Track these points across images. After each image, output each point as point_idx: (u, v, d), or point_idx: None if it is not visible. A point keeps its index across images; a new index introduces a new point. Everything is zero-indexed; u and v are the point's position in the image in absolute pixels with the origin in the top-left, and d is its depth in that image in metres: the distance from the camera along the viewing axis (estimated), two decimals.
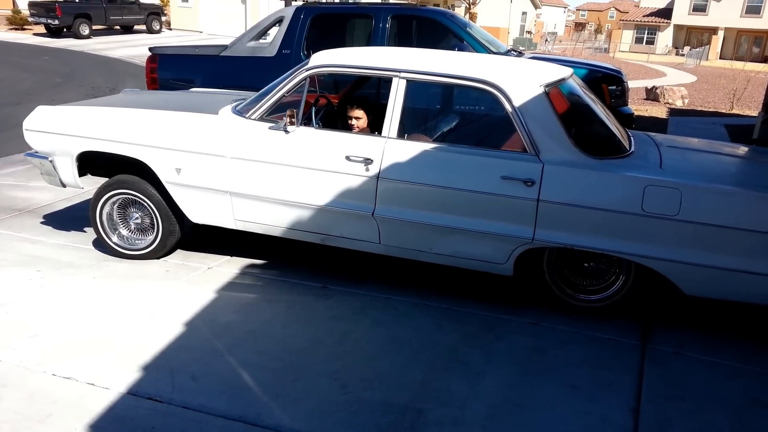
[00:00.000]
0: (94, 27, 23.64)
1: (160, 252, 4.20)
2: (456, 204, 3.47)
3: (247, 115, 3.84)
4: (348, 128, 4.06)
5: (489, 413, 2.73)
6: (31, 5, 23.46)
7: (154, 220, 4.14)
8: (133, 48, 20.01)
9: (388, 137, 3.59)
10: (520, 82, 3.45)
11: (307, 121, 3.80)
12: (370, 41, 6.54)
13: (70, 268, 4.07)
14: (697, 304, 3.73)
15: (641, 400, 2.85)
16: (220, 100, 4.38)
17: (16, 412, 2.63)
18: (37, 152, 4.26)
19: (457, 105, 4.60)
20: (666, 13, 46.41)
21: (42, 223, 4.90)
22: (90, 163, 4.27)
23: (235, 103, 4.12)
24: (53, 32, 22.87)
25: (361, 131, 4.01)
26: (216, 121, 3.87)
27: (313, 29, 6.62)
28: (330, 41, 6.57)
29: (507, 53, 6.75)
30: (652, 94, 14.21)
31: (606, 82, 6.25)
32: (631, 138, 3.88)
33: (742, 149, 4.57)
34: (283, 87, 3.79)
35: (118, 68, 15.91)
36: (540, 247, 3.48)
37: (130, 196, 4.13)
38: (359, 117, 4.03)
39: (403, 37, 6.69)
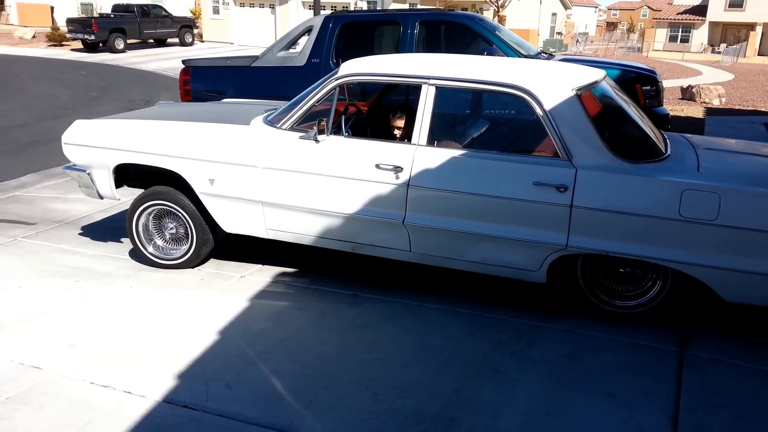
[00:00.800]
0: (129, 41, 24.29)
1: (195, 261, 4.27)
2: (487, 211, 3.45)
3: (278, 125, 3.89)
4: (391, 137, 4.08)
5: (523, 422, 2.69)
6: (69, 22, 24.24)
7: (189, 231, 4.21)
8: (166, 61, 20.44)
9: (418, 144, 3.59)
10: (551, 86, 3.41)
11: (336, 130, 3.83)
12: (398, 48, 6.55)
13: (108, 278, 4.16)
14: (733, 309, 3.62)
15: (680, 408, 2.77)
16: (252, 110, 4.43)
17: (57, 419, 2.69)
18: (75, 165, 4.37)
19: (487, 110, 4.58)
20: (700, 9, 45.45)
21: (80, 234, 5.02)
22: (126, 175, 4.37)
23: (266, 114, 4.17)
24: (90, 47, 23.56)
25: (394, 138, 4.03)
26: (248, 131, 3.93)
27: (342, 38, 6.67)
28: (359, 49, 6.60)
29: (537, 56, 6.69)
30: (687, 94, 13.91)
31: (640, 83, 6.14)
32: (667, 140, 3.80)
33: None
34: (314, 96, 3.83)
35: (153, 81, 16.27)
36: (574, 254, 3.43)
37: (165, 207, 4.21)
38: (401, 126, 4.05)
39: (432, 43, 6.68)
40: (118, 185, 4.33)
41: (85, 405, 2.79)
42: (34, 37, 27.91)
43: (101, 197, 4.40)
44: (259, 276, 4.18)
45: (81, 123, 4.34)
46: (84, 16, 29.96)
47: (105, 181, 4.27)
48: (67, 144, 4.32)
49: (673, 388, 2.93)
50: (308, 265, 4.34)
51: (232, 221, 4.05)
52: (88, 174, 4.30)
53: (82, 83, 15.38)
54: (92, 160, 4.25)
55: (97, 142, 4.20)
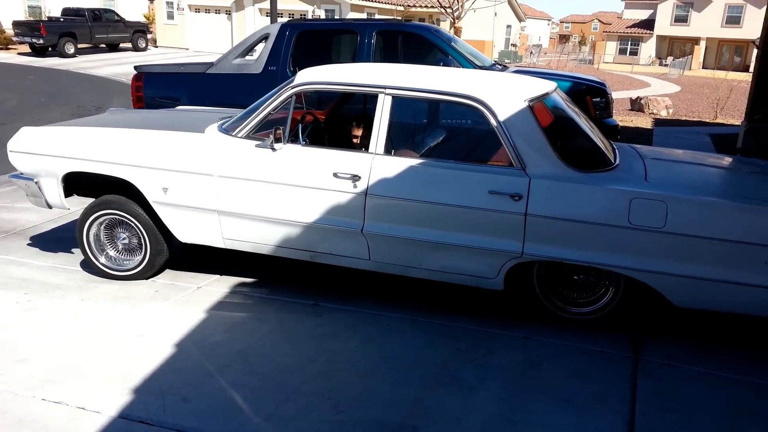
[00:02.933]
0: (80, 46, 23.65)
1: (149, 272, 4.17)
2: (444, 219, 3.48)
3: (233, 133, 3.84)
4: (341, 145, 4.08)
5: (483, 429, 2.72)
6: (15, 25, 23.45)
7: (142, 241, 4.11)
8: (118, 66, 20.00)
9: (375, 153, 3.60)
10: (505, 97, 3.48)
11: (293, 139, 3.82)
12: (355, 57, 6.58)
13: (58, 290, 4.03)
14: (684, 314, 3.75)
15: (635, 413, 2.85)
16: (207, 118, 4.38)
17: None
18: (22, 173, 4.23)
19: (443, 120, 4.63)
20: (648, 24, 47.08)
21: (29, 244, 4.85)
22: (76, 183, 4.24)
23: (221, 121, 4.12)
24: (38, 51, 22.83)
25: (352, 147, 4.03)
26: (202, 139, 3.87)
27: (299, 45, 6.66)
28: (316, 57, 6.60)
29: (492, 67, 6.81)
30: (636, 105, 14.37)
31: (590, 94, 6.32)
32: (616, 150, 3.92)
33: (727, 159, 4.63)
34: (270, 104, 3.80)
35: (104, 87, 15.88)
36: (529, 261, 3.49)
37: (117, 217, 4.10)
38: (358, 135, 4.06)
39: (389, 53, 6.73)
40: (67, 194, 4.20)
41: (35, 422, 2.69)
42: None
43: (50, 207, 4.26)
44: (217, 287, 4.12)
45: (28, 130, 4.20)
46: (32, 19, 29.00)
47: (54, 190, 4.14)
48: (13, 152, 4.17)
49: (627, 393, 3.01)
50: (267, 275, 4.30)
51: (187, 231, 3.98)
52: (36, 183, 4.16)
53: (29, 88, 14.88)
54: (40, 169, 4.12)
55: (45, 150, 4.07)
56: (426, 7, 29.34)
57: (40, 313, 3.70)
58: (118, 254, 4.24)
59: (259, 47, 7.02)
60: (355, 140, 4.19)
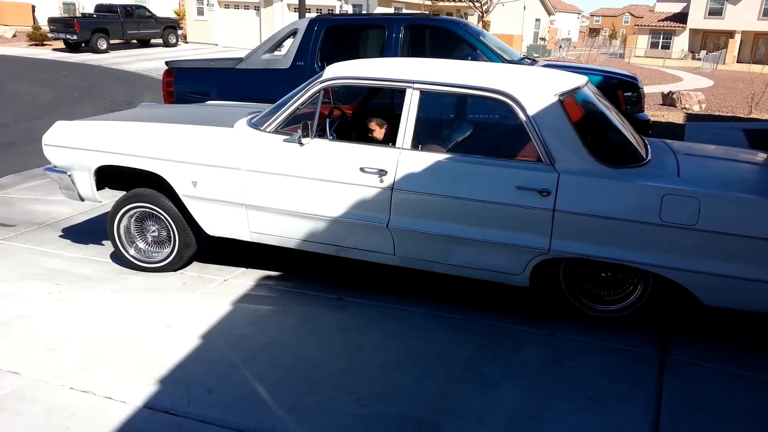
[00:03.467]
0: (112, 41, 24.05)
1: (177, 264, 4.23)
2: (471, 214, 3.46)
3: (262, 128, 3.87)
4: (368, 140, 4.08)
5: (506, 426, 2.70)
6: (50, 21, 23.96)
7: (171, 233, 4.17)
8: (149, 61, 20.28)
9: (402, 148, 3.59)
10: (534, 92, 3.44)
11: (321, 133, 3.83)
12: (383, 52, 6.56)
13: (89, 281, 4.11)
14: (713, 313, 3.67)
15: (661, 413, 2.80)
16: (236, 113, 4.41)
17: (35, 426, 2.65)
18: (56, 167, 4.32)
19: (470, 115, 4.60)
20: (681, 17, 46.08)
21: (61, 236, 4.96)
22: (108, 176, 4.32)
23: (250, 116, 4.15)
24: (72, 47, 23.29)
25: (378, 142, 4.03)
26: (231, 134, 3.91)
27: (327, 41, 6.66)
28: (344, 52, 6.60)
29: (520, 61, 6.74)
30: (668, 100, 14.09)
31: (621, 89, 6.22)
32: (648, 146, 3.85)
33: (761, 155, 4.50)
34: (298, 99, 3.82)
35: (135, 82, 16.14)
36: (556, 258, 3.45)
37: (147, 210, 4.17)
38: (376, 128, 4.06)
39: (417, 47, 6.70)
40: (99, 187, 4.28)
41: (63, 411, 2.75)
42: (14, 36, 27.52)
43: (82, 199, 4.35)
44: (243, 279, 4.16)
45: (62, 124, 4.29)
46: (66, 15, 29.61)
47: (86, 183, 4.22)
48: (47, 145, 4.26)
49: (653, 392, 2.96)
50: (292, 269, 4.33)
51: (215, 224, 4.02)
52: (69, 176, 4.25)
53: (63, 83, 15.20)
54: (73, 162, 4.20)
55: (79, 144, 4.15)
56: (454, 1, 29.14)
57: (71, 304, 3.78)
58: (147, 246, 4.31)
59: (288, 43, 7.05)
60: (379, 135, 4.18)
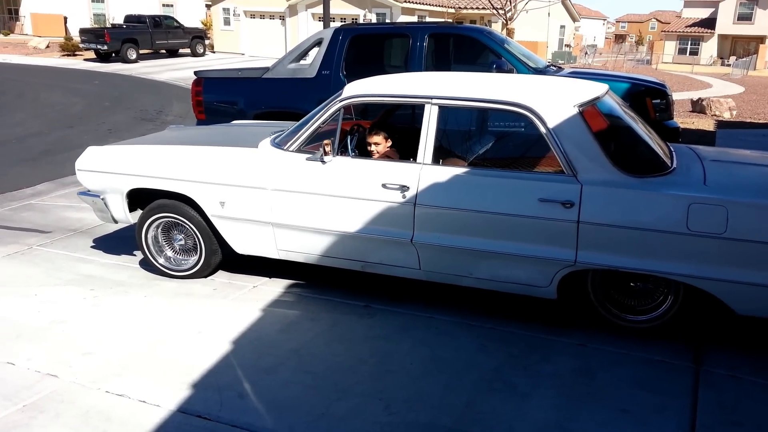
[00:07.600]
0: (141, 51, 24.54)
1: (205, 271, 4.30)
2: (494, 228, 3.45)
3: (285, 147, 3.92)
4: (368, 154, 4.06)
5: None
6: (82, 32, 24.54)
7: (197, 242, 4.23)
8: (178, 71, 20.62)
9: (423, 163, 3.61)
10: (553, 103, 3.42)
11: (343, 150, 3.86)
12: (408, 61, 6.58)
13: (122, 287, 4.19)
14: (748, 323, 3.61)
15: (696, 425, 2.76)
16: (260, 132, 4.46)
17: (73, 428, 2.71)
18: (89, 191, 4.41)
19: (491, 128, 4.58)
20: (709, 23, 45.43)
21: (94, 243, 5.06)
22: (140, 198, 4.38)
23: (274, 136, 4.20)
24: (102, 57, 23.82)
25: (384, 156, 4.02)
26: (256, 154, 3.96)
27: (352, 50, 6.71)
28: (368, 61, 6.65)
29: (546, 68, 6.71)
30: (698, 107, 13.88)
31: (650, 96, 6.15)
32: (673, 153, 3.80)
33: None
34: (319, 118, 3.86)
35: (165, 91, 16.42)
36: (583, 269, 3.43)
37: (171, 219, 4.24)
38: (378, 143, 4.06)
39: (441, 56, 6.71)
40: (131, 209, 4.36)
41: (100, 414, 2.81)
42: (47, 47, 28.23)
43: (115, 221, 4.43)
44: (271, 286, 4.20)
45: (94, 149, 4.38)
46: (97, 26, 30.27)
47: (119, 205, 4.32)
48: (80, 170, 4.36)
49: (688, 404, 2.92)
50: (319, 276, 4.36)
51: (243, 243, 4.08)
52: (102, 199, 4.34)
53: (94, 93, 15.53)
54: (106, 186, 4.30)
55: (110, 168, 4.25)
56: (477, 8, 29.12)
57: (105, 309, 3.85)
58: (175, 255, 4.38)
59: (313, 52, 7.12)
60: (383, 149, 4.13)
